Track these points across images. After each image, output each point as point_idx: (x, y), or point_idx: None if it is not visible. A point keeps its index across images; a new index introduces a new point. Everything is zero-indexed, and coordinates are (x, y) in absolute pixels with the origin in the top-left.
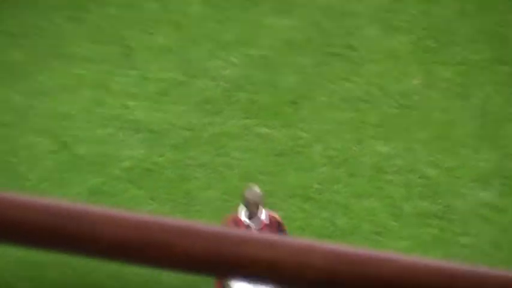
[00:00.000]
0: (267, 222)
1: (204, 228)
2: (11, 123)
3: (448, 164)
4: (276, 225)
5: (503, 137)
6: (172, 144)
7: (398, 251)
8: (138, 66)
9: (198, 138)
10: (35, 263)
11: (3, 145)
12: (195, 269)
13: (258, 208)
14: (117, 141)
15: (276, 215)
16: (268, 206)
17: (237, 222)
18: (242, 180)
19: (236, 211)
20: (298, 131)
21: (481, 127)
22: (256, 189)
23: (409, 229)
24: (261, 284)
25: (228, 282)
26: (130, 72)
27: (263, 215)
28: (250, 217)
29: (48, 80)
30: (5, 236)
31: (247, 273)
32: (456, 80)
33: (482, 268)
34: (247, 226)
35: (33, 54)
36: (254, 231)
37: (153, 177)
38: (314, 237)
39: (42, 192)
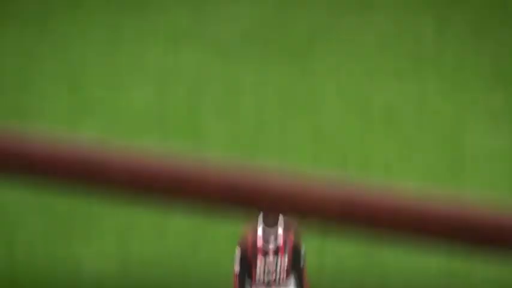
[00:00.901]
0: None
1: (221, 161)
2: (24, 67)
3: (461, 101)
4: (291, 247)
5: None
6: (183, 86)
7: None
8: (151, 12)
9: (211, 79)
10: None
11: (14, 90)
12: (212, 203)
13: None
14: (127, 84)
15: (292, 236)
16: (278, 154)
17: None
18: (255, 121)
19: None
20: (310, 72)
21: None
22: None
23: (419, 166)
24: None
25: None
26: (143, 18)
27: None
28: (265, 227)
29: (63, 26)
30: None
31: (268, 204)
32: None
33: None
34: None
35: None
36: (273, 164)
37: (164, 119)
38: None
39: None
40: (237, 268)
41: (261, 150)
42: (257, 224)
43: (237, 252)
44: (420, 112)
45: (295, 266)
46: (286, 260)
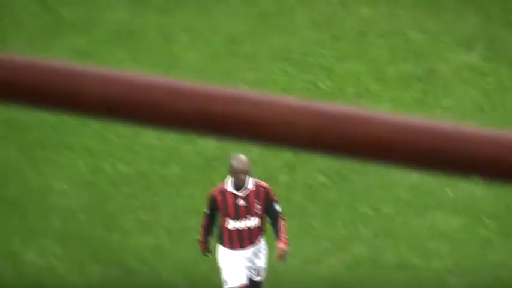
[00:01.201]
0: (254, 189)
1: (193, 87)
2: None
3: (432, 27)
4: (263, 194)
5: (487, 0)
6: (156, 7)
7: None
8: None
9: (182, 1)
10: (19, 123)
11: None
12: (182, 128)
13: (245, 177)
14: (101, 4)
15: (265, 184)
16: (251, 74)
17: (224, 192)
18: (226, 43)
19: (222, 181)
20: None
21: None
22: (242, 157)
23: (391, 92)
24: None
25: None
26: None
27: (250, 183)
28: (237, 187)
29: None
30: None
31: (236, 131)
32: None
33: (465, 126)
34: (234, 195)
35: None
36: (245, 90)
37: (137, 39)
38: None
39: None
40: (206, 210)
41: (233, 70)
42: (225, 185)
43: (207, 196)
44: (392, 38)
45: (270, 212)
46: (259, 205)
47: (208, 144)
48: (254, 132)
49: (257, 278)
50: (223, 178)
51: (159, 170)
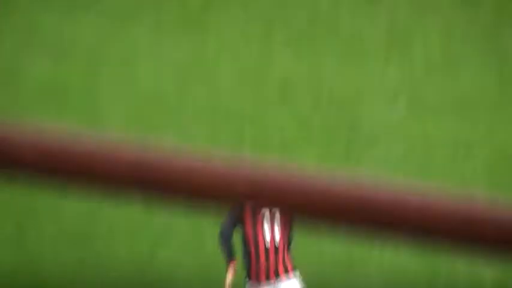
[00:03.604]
0: None
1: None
2: None
3: (357, 78)
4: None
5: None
6: (79, 60)
7: (307, 163)
8: None
9: (106, 55)
10: None
11: None
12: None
13: None
14: (24, 59)
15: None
16: (176, 126)
17: None
18: (151, 96)
19: None
20: (206, 43)
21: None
22: None
23: (317, 141)
24: None
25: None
26: None
27: None
28: None
29: None
30: None
31: (168, 189)
32: None
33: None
34: None
35: None
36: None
37: (60, 94)
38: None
39: None
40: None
41: (159, 123)
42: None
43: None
44: (316, 87)
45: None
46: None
47: None
48: (188, 190)
49: None
50: None
51: None
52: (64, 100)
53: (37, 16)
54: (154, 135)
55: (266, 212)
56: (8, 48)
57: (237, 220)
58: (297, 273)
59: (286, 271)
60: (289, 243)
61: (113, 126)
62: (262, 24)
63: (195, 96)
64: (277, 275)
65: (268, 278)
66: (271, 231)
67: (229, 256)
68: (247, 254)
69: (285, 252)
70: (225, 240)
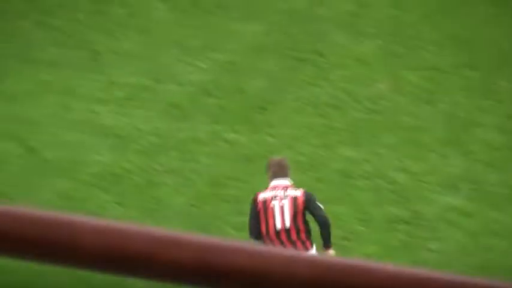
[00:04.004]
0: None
1: (189, 238)
2: None
3: (416, 169)
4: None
5: (470, 142)
6: (139, 150)
7: (366, 257)
8: (104, 71)
9: (166, 144)
10: (4, 268)
11: None
12: (179, 279)
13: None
14: (85, 146)
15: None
16: (237, 212)
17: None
18: (210, 186)
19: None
20: (266, 136)
21: (448, 132)
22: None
23: (377, 234)
24: None
25: None
26: (96, 77)
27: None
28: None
29: (15, 85)
30: None
31: (234, 282)
32: (424, 85)
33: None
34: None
35: (0, 60)
36: (240, 242)
37: (121, 182)
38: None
39: (9, 197)
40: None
41: (219, 214)
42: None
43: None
44: (376, 180)
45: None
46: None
47: None
48: (252, 282)
49: None
50: None
51: None
52: (124, 188)
53: (95, 107)
54: (213, 226)
55: (276, 204)
56: (70, 139)
57: (256, 214)
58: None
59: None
60: (306, 230)
61: (172, 215)
62: (321, 116)
63: (254, 186)
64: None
65: None
66: (281, 220)
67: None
68: (261, 237)
69: (300, 238)
70: (255, 237)
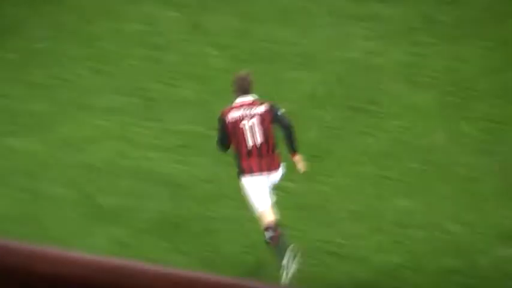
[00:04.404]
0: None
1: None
2: (34, 174)
3: (472, 220)
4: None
5: None
6: (195, 197)
7: None
8: (160, 118)
9: (222, 191)
10: None
11: (26, 195)
12: None
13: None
14: (140, 193)
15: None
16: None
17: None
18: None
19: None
20: (321, 186)
21: (504, 183)
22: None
23: (431, 285)
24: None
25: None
26: (152, 124)
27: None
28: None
29: (71, 131)
30: None
31: None
32: (480, 136)
33: None
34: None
35: (57, 105)
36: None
37: (176, 229)
38: None
39: (65, 243)
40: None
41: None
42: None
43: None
44: (430, 230)
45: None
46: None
47: None
48: None
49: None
50: None
51: None
52: (182, 236)
53: (151, 153)
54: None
55: (245, 123)
56: (126, 186)
57: (225, 133)
58: (283, 164)
59: (274, 166)
60: (275, 144)
61: (228, 266)
62: (375, 166)
63: (308, 236)
64: (267, 168)
65: (260, 170)
66: (252, 138)
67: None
68: (237, 156)
69: (270, 151)
70: (222, 148)
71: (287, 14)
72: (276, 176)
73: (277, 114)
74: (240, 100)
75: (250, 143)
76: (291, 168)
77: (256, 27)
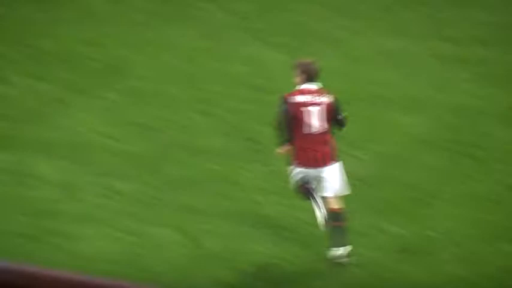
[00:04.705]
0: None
1: None
2: (138, 215)
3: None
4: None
5: None
6: (300, 240)
7: None
8: (266, 161)
9: (327, 234)
10: None
11: (131, 237)
12: None
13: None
14: (246, 236)
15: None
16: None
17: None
18: (368, 277)
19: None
20: (426, 230)
21: None
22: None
23: None
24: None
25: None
26: (258, 167)
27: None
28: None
29: (176, 172)
30: None
31: None
32: None
33: None
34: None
35: (163, 146)
36: None
37: (282, 273)
38: None
39: (167, 286)
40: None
41: None
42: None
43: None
44: None
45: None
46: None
47: None
48: None
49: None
50: None
51: None
52: (283, 280)
53: (257, 196)
54: None
55: (311, 109)
56: (231, 229)
57: (286, 116)
58: (340, 160)
59: (330, 159)
60: (332, 135)
61: None
62: (481, 211)
63: (413, 281)
64: (323, 162)
65: (315, 164)
66: (315, 124)
67: (281, 139)
68: (295, 145)
69: (329, 143)
70: (281, 133)
71: (390, 56)
72: (332, 169)
73: (338, 109)
74: (305, 86)
75: (312, 129)
76: (395, 212)
77: (358, 69)
